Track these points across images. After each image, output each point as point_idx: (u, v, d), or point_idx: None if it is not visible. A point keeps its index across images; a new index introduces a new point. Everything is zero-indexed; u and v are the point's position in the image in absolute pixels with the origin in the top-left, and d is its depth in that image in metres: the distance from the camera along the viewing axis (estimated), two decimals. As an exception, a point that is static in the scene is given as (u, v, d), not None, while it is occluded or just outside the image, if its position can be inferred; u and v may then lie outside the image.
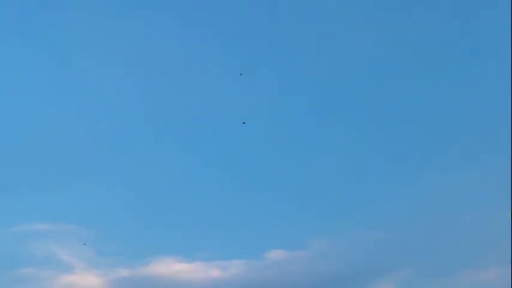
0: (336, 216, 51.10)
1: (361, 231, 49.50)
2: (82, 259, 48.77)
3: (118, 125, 58.98)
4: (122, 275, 48.15)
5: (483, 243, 46.76)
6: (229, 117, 57.10)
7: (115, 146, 57.27)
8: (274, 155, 56.77)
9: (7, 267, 47.63)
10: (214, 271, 48.33)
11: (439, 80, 58.53)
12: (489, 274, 45.57)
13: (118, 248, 49.57)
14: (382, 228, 49.33)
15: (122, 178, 54.60)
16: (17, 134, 56.98)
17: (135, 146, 57.29)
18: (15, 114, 58.42)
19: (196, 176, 55.67)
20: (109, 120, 59.04)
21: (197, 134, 58.32)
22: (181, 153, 56.84)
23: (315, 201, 52.52)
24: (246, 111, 57.50)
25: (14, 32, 62.57)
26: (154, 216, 51.84)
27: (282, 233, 50.31)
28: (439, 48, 59.81)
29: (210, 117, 58.05)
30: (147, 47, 61.92)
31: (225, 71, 59.61)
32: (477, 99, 56.46)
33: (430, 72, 58.96)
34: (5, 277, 46.99)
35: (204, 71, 60.91)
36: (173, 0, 63.07)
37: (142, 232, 50.61)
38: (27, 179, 53.35)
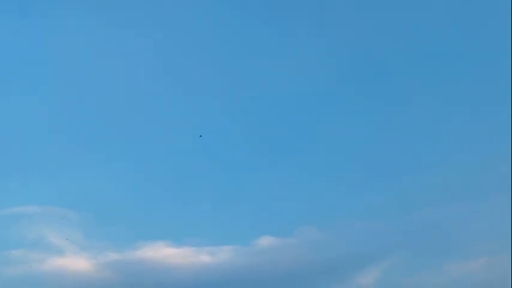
0: (325, 205, 51.69)
1: (350, 219, 50.10)
2: (72, 242, 48.92)
3: (109, 113, 58.93)
4: (111, 259, 48.38)
5: (471, 234, 47.57)
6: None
7: (106, 131, 57.26)
8: (265, 145, 57.19)
9: (-4, 249, 47.71)
10: (203, 256, 48.72)
11: (437, 76, 59.25)
12: (476, 264, 46.39)
13: (107, 232, 49.76)
14: (371, 217, 49.98)
15: (112, 163, 54.67)
16: (8, 119, 56.69)
17: (125, 132, 57.31)
18: (6, 101, 58.11)
19: (186, 162, 55.85)
20: (101, 109, 58.91)
21: (190, 125, 58.48)
22: (173, 140, 56.99)
23: (304, 189, 53.06)
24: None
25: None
26: (143, 201, 52.10)
27: (271, 220, 50.78)
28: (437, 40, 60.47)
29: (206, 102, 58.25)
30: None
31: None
32: (474, 94, 57.18)
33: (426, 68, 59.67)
34: (-6, 258, 47.12)
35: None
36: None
37: (132, 217, 50.80)
38: (18, 163, 53.24)
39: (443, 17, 59.93)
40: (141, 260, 48.25)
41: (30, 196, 50.58)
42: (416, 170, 53.24)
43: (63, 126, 56.40)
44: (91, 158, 54.35)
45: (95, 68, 59.91)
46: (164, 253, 48.98)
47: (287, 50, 61.35)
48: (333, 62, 60.42)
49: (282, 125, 57.91)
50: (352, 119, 57.47)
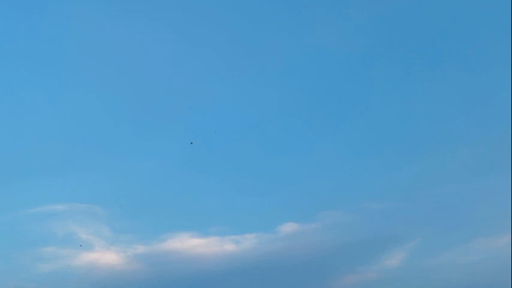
0: (347, 188, 51.45)
1: (372, 202, 49.73)
2: (100, 237, 50.30)
3: (131, 109, 59.83)
4: (139, 251, 49.56)
5: (497, 209, 46.64)
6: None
7: (128, 128, 58.23)
8: (283, 130, 57.11)
9: (30, 247, 49.51)
10: (228, 245, 49.36)
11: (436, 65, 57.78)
12: (501, 241, 45.54)
13: (134, 225, 50.94)
14: (393, 198, 49.49)
15: (135, 157, 55.62)
16: (33, 121, 58.21)
17: (147, 127, 58.12)
18: (30, 102, 59.58)
19: (206, 153, 56.34)
20: (123, 104, 59.79)
21: (199, 119, 58.75)
22: (193, 132, 57.57)
23: (325, 173, 52.88)
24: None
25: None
26: (168, 194, 52.96)
27: (293, 206, 50.90)
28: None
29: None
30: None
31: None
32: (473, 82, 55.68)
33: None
34: (28, 256, 48.96)
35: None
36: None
37: (158, 209, 51.77)
38: (45, 164, 54.80)
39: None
40: (168, 251, 49.32)
41: (57, 195, 52.17)
42: (439, 146, 52.39)
43: (84, 127, 57.66)
44: (113, 155, 55.54)
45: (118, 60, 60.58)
46: (190, 243, 49.91)
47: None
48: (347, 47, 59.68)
49: (296, 115, 57.76)
50: (369, 100, 56.88)
